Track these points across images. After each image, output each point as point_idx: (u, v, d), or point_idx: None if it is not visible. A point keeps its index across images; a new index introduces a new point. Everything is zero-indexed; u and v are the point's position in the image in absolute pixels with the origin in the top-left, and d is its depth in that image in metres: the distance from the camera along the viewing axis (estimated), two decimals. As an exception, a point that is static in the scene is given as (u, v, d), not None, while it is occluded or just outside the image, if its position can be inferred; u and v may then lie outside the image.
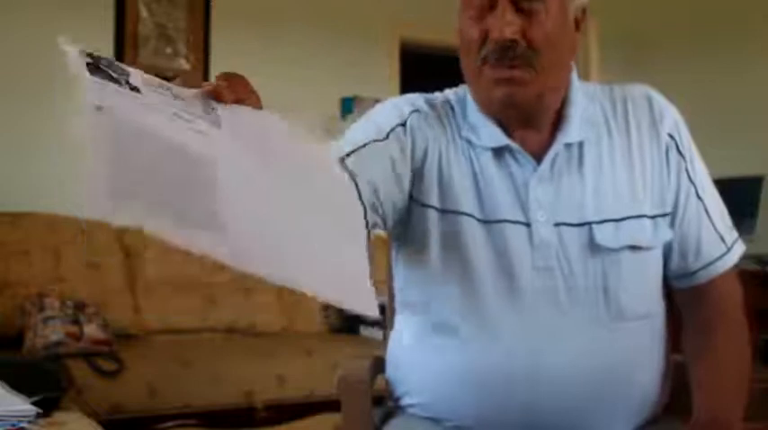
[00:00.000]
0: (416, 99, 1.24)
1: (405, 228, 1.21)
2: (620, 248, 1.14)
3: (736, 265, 1.24)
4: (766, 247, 3.99)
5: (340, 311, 4.04)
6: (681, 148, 1.20)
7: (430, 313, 1.20)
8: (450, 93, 1.27)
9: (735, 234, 1.24)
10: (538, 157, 1.17)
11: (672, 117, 1.21)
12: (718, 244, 1.22)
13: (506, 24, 1.08)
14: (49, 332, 3.06)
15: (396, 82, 4.87)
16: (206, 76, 4.29)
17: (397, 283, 1.29)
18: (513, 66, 1.10)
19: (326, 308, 4.00)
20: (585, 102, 1.20)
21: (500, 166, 1.18)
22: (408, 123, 1.19)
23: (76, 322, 3.13)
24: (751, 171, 3.96)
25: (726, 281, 1.23)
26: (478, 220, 1.16)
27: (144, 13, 4.16)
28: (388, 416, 1.30)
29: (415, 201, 1.19)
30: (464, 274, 1.15)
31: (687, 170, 1.20)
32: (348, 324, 3.95)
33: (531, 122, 1.18)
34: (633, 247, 1.15)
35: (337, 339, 3.80)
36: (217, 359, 3.25)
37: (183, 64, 4.26)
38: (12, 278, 3.37)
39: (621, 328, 1.14)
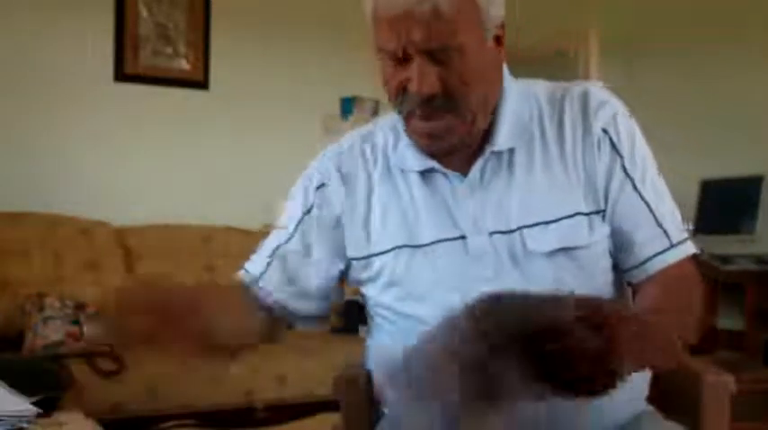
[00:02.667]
0: (327, 161, 1.28)
1: (358, 281, 1.28)
2: (554, 251, 1.12)
3: (697, 263, 1.20)
4: (766, 247, 3.99)
5: (340, 311, 4.04)
6: (615, 142, 1.16)
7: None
8: (385, 122, 1.28)
9: (684, 234, 1.19)
10: (467, 170, 1.17)
11: (609, 111, 1.17)
12: (661, 238, 1.16)
13: (423, 79, 1.07)
14: (49, 332, 3.07)
15: (396, 82, 4.87)
16: (206, 76, 4.29)
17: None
18: (436, 117, 1.10)
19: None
20: (519, 105, 1.19)
21: (429, 187, 1.19)
22: (313, 208, 1.27)
23: (76, 322, 3.14)
24: (751, 171, 3.96)
25: (669, 277, 1.16)
26: (414, 247, 1.18)
27: (144, 13, 4.16)
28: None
29: (352, 259, 1.25)
30: (415, 305, 1.18)
31: (624, 165, 1.16)
32: (348, 324, 3.95)
33: (462, 148, 1.18)
34: (567, 249, 1.13)
35: (337, 339, 3.80)
36: (217, 359, 3.25)
37: (183, 64, 4.26)
38: (12, 278, 3.37)
39: None
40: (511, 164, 1.16)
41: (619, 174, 1.16)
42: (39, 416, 1.22)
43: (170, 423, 3.08)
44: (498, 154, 1.16)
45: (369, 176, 1.24)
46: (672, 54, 4.34)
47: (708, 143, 4.12)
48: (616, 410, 1.16)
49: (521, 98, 1.20)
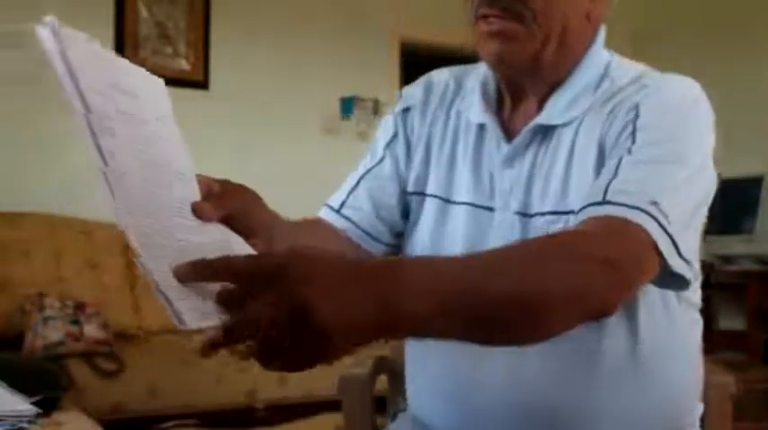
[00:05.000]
0: (417, 87, 1.22)
1: (404, 223, 1.20)
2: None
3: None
4: (766, 247, 3.99)
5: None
6: (637, 120, 1.00)
7: None
8: (476, 65, 1.19)
9: (649, 207, 0.91)
10: (515, 135, 1.10)
11: (657, 97, 1.02)
12: (597, 193, 0.94)
13: None
14: (49, 332, 3.07)
15: (396, 82, 4.87)
16: (206, 76, 4.30)
17: None
18: (502, 17, 1.02)
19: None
20: (593, 79, 1.09)
21: (478, 145, 1.14)
22: (399, 130, 1.20)
23: (76, 322, 3.14)
24: (751, 171, 3.96)
25: (588, 223, 0.92)
26: (444, 201, 1.13)
27: (144, 13, 4.16)
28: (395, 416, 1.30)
29: (407, 194, 1.19)
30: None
31: (634, 126, 1.00)
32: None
33: (522, 93, 1.11)
34: None
35: (337, 339, 3.80)
36: (217, 359, 3.24)
37: (183, 64, 4.26)
38: (12, 278, 3.37)
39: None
40: (558, 142, 1.07)
41: (626, 138, 1.00)
42: (39, 416, 1.22)
43: (170, 423, 3.08)
44: (545, 128, 1.08)
45: (446, 115, 1.18)
46: (672, 54, 4.34)
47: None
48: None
49: (598, 73, 1.09)
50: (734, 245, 3.91)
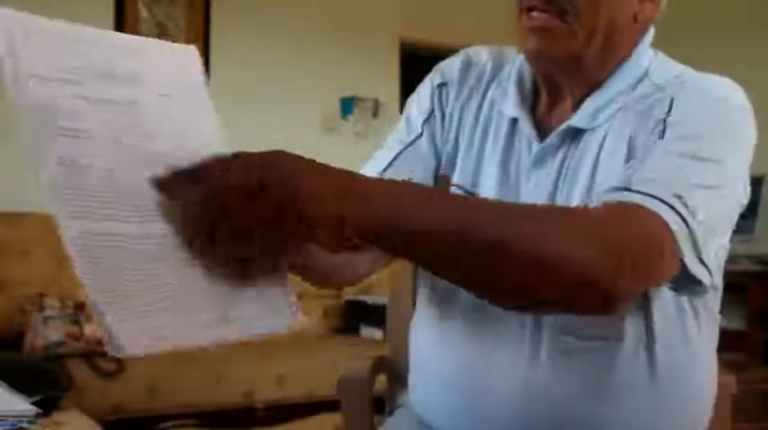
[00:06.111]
0: (455, 62, 1.18)
1: None
2: None
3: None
4: (766, 247, 3.99)
5: (340, 311, 4.04)
6: (669, 115, 0.97)
7: (425, 302, 1.16)
8: (514, 49, 1.15)
9: (673, 201, 0.88)
10: (547, 134, 1.06)
11: (699, 99, 0.99)
12: (621, 181, 0.91)
13: None
14: (49, 332, 3.07)
15: (396, 82, 4.87)
16: (206, 76, 4.29)
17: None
18: (546, 11, 0.99)
19: (326, 309, 4.00)
20: (632, 81, 1.05)
21: (509, 140, 1.10)
22: (435, 106, 1.16)
23: (76, 322, 3.14)
24: (751, 171, 3.96)
25: (603, 206, 0.89)
26: (470, 194, 1.10)
27: (144, 13, 4.16)
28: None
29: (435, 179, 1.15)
30: None
31: (666, 121, 0.97)
32: (348, 324, 3.95)
33: (559, 91, 1.07)
34: None
35: (337, 339, 3.80)
36: (217, 359, 3.25)
37: (183, 64, 4.26)
38: (12, 278, 3.37)
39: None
40: (586, 142, 1.04)
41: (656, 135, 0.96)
42: (39, 416, 1.22)
43: (170, 423, 3.08)
44: (576, 131, 1.04)
45: (480, 100, 1.14)
46: (672, 53, 4.33)
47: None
48: None
49: (638, 75, 1.06)
50: (734, 245, 3.91)
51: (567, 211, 0.90)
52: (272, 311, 0.80)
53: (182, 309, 0.69)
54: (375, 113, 4.68)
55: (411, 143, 1.15)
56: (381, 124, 4.66)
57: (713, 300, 1.09)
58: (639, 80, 1.05)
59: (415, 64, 4.95)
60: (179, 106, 0.81)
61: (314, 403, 3.30)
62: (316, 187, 0.73)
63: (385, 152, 1.16)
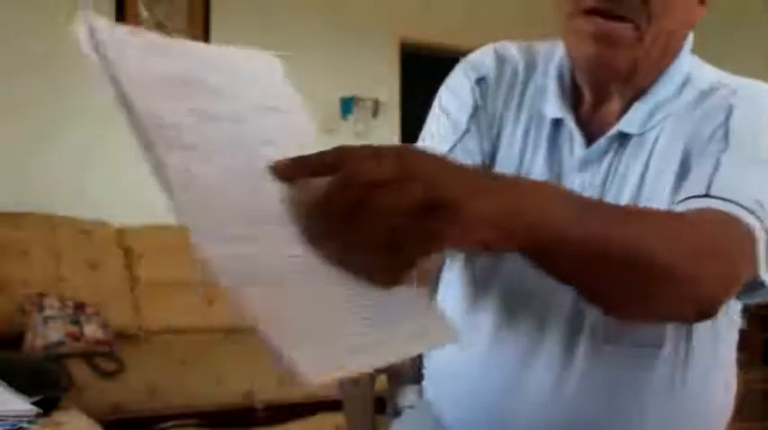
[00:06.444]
0: (486, 56, 1.11)
1: None
2: None
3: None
4: (766, 247, 3.98)
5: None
6: (730, 122, 0.95)
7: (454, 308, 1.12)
8: (543, 44, 1.12)
9: (755, 206, 0.87)
10: (594, 138, 1.02)
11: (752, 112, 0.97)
12: (699, 186, 0.90)
13: None
14: (49, 332, 3.07)
15: (396, 82, 4.87)
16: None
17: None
18: (615, 17, 0.92)
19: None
20: (676, 86, 1.02)
21: (552, 141, 1.05)
22: (478, 101, 1.09)
23: (76, 322, 3.14)
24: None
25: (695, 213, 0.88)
26: None
27: (144, 13, 4.16)
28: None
29: None
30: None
31: (727, 128, 0.95)
32: (348, 324, 3.95)
33: (606, 95, 1.03)
34: None
35: (337, 339, 3.80)
36: (217, 359, 3.25)
37: (183, 64, 4.27)
38: (12, 278, 3.37)
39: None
40: (634, 148, 1.01)
41: (719, 141, 0.94)
42: (39, 415, 1.22)
43: (170, 423, 3.08)
44: (625, 135, 1.01)
45: (519, 98, 1.09)
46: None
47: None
48: None
49: (681, 80, 1.03)
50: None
51: (690, 224, 0.84)
52: (432, 321, 0.74)
53: (339, 330, 0.64)
54: (375, 113, 4.68)
55: (460, 139, 1.08)
56: (381, 124, 4.66)
57: (736, 303, 1.07)
58: (683, 85, 1.03)
59: (415, 64, 4.97)
60: (282, 119, 0.77)
61: (314, 403, 3.29)
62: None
63: (435, 143, 1.09)
